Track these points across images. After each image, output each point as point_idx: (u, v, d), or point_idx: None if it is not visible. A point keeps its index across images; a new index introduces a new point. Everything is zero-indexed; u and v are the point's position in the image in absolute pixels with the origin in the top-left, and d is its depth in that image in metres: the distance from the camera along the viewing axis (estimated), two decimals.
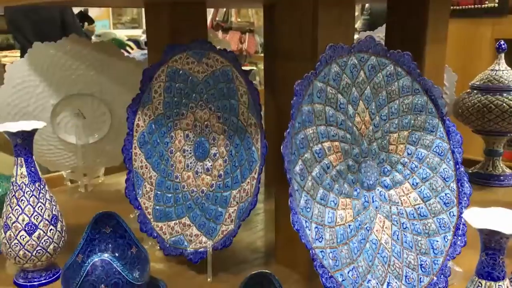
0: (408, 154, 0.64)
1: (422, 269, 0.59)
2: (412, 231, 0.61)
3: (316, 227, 0.51)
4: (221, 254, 0.71)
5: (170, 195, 0.77)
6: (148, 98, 0.80)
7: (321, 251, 0.50)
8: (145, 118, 0.81)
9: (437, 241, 0.62)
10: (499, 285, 0.45)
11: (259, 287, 0.49)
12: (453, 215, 0.64)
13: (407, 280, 0.58)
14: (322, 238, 0.51)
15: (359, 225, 0.57)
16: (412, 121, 0.64)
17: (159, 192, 0.78)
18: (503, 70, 1.06)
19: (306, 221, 0.50)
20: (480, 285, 0.46)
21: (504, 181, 1.11)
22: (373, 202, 0.60)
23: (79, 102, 1.05)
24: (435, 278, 0.60)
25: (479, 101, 1.06)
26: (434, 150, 0.65)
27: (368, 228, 0.58)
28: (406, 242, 0.60)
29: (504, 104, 1.02)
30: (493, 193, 1.08)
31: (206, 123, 0.74)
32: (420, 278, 0.59)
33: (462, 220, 0.64)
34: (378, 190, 0.61)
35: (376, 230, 0.59)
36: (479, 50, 2.07)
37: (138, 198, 0.79)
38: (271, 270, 0.51)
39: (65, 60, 1.01)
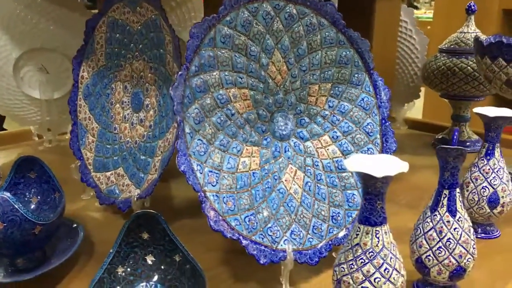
0: (329, 106, 0.63)
1: (334, 220, 0.59)
2: (327, 183, 0.61)
3: (210, 171, 0.51)
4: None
5: (109, 146, 0.78)
6: (91, 50, 0.80)
7: (213, 195, 0.51)
8: (89, 70, 0.81)
9: (355, 195, 0.62)
10: (376, 230, 0.45)
11: (144, 229, 0.49)
12: None
13: (314, 230, 0.58)
14: (217, 182, 0.52)
15: (266, 173, 0.57)
16: (336, 74, 0.63)
17: (99, 143, 0.79)
18: (471, 33, 1.03)
19: (198, 165, 0.50)
20: (359, 229, 0.46)
21: (470, 147, 1.09)
22: (285, 152, 0.60)
23: (42, 57, 1.06)
24: (346, 230, 0.60)
25: (444, 64, 1.03)
26: (359, 104, 0.64)
27: (276, 177, 0.58)
28: (319, 194, 0.60)
29: (468, 67, 0.99)
30: None
31: (141, 74, 0.74)
32: (330, 229, 0.59)
33: None
34: (292, 141, 0.61)
35: (286, 180, 0.58)
36: (486, 21, 2.01)
37: (81, 149, 0.81)
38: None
39: (26, 13, 1.02)
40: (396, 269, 0.45)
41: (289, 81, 0.60)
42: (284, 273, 0.54)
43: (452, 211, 0.51)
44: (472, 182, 0.66)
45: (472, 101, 1.06)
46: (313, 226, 0.58)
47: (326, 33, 0.62)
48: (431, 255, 0.51)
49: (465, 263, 0.51)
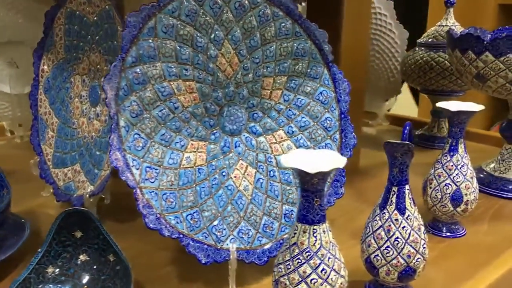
0: (285, 100, 0.61)
1: (286, 219, 0.57)
2: (281, 180, 0.59)
3: (148, 167, 0.49)
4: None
5: (67, 141, 0.76)
6: (51, 42, 0.78)
7: (150, 192, 0.48)
8: (49, 63, 0.79)
9: None
10: (313, 229, 0.43)
11: (77, 227, 0.47)
12: None
13: (264, 228, 0.56)
14: (156, 179, 0.49)
15: (213, 169, 0.55)
16: (292, 66, 0.61)
17: (59, 139, 0.77)
18: (450, 26, 1.00)
19: (134, 160, 0.48)
20: (296, 228, 0.43)
21: None
22: (235, 147, 0.58)
23: (11, 50, 1.04)
24: None
25: (421, 58, 1.01)
26: (317, 98, 0.62)
27: (224, 174, 0.56)
28: (271, 191, 0.58)
29: (445, 61, 0.97)
30: (432, 155, 1.04)
31: (97, 66, 0.72)
32: (282, 227, 0.57)
33: (342, 172, 0.62)
34: (244, 135, 0.59)
35: (235, 176, 0.56)
36: (482, 16, 1.98)
37: (41, 145, 0.79)
38: None
39: None
40: (334, 270, 0.43)
41: (241, 74, 0.58)
42: (230, 273, 0.52)
43: (401, 209, 0.49)
44: (435, 179, 0.64)
45: (451, 96, 1.03)
46: (264, 225, 0.56)
47: (281, 24, 0.59)
48: (379, 255, 0.49)
49: (414, 263, 0.49)
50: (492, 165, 0.82)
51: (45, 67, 0.79)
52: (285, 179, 0.59)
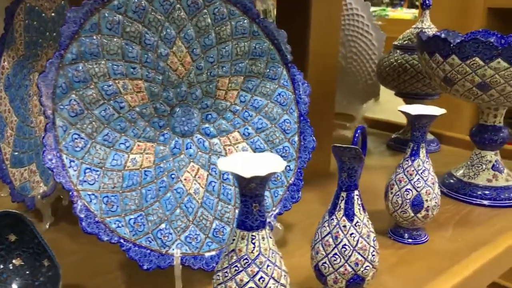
0: (241, 101, 0.59)
1: None
2: (234, 183, 0.57)
3: (88, 168, 0.47)
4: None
5: (25, 140, 0.74)
6: (11, 39, 0.76)
7: (89, 194, 0.46)
8: (9, 60, 0.77)
9: (265, 197, 0.58)
10: (252, 236, 0.41)
11: (10, 230, 0.45)
12: (290, 170, 0.60)
13: (215, 233, 0.54)
14: (96, 181, 0.47)
15: (161, 172, 0.53)
16: (249, 66, 0.59)
17: (17, 138, 0.75)
18: (425, 28, 0.99)
19: (71, 161, 0.46)
20: (235, 234, 0.42)
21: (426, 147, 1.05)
22: (187, 149, 0.56)
23: None
24: None
25: (396, 61, 0.99)
26: (275, 99, 0.60)
27: (173, 176, 0.54)
28: (224, 194, 0.56)
29: (419, 64, 0.96)
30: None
31: None
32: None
33: (300, 175, 0.60)
34: (196, 137, 0.57)
35: (185, 179, 0.54)
36: (471, 19, 1.97)
37: (0, 144, 0.76)
38: None
39: None
40: (273, 278, 0.41)
41: (194, 73, 0.56)
42: (176, 279, 0.50)
43: (349, 215, 0.47)
44: (396, 184, 0.63)
45: (426, 100, 1.02)
46: (215, 229, 0.54)
47: (238, 23, 0.57)
48: (327, 262, 0.47)
49: (362, 271, 0.47)
50: (461, 171, 0.81)
51: (5, 63, 0.77)
52: None
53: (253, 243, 0.41)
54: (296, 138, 0.61)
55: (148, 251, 0.49)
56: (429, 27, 0.99)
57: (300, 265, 0.55)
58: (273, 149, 0.60)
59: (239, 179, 0.39)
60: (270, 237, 0.42)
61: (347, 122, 1.27)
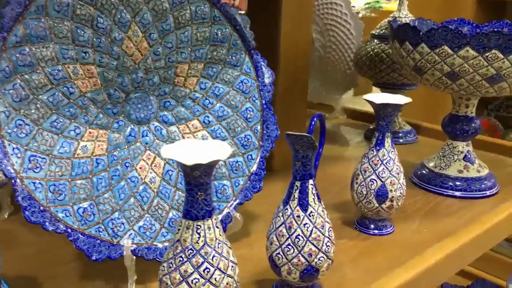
0: (201, 88, 0.58)
1: None
2: None
3: (33, 156, 0.45)
4: None
5: None
6: None
7: (34, 182, 0.45)
8: None
9: (225, 186, 0.57)
10: (197, 225, 0.40)
11: None
12: (251, 159, 0.59)
13: (171, 223, 0.53)
14: (42, 168, 0.46)
15: (115, 160, 0.52)
16: (210, 53, 0.57)
17: None
18: (402, 17, 0.97)
19: (15, 148, 0.44)
20: (180, 224, 0.40)
21: (403, 137, 1.04)
22: (143, 137, 0.54)
23: None
24: None
25: (372, 50, 0.98)
26: (237, 86, 0.59)
27: (128, 164, 0.52)
28: (182, 183, 0.55)
29: None
30: None
31: None
32: None
33: (262, 164, 0.59)
34: (153, 124, 0.55)
35: (140, 167, 0.53)
36: (460, 11, 1.96)
37: None
38: None
39: None
40: (219, 269, 0.40)
41: (151, 59, 0.54)
42: (128, 271, 0.49)
43: (303, 205, 0.46)
44: (361, 174, 0.62)
45: (403, 90, 1.01)
46: (171, 219, 0.53)
47: (197, 8, 0.56)
48: (281, 253, 0.46)
49: (316, 262, 0.46)
50: (433, 162, 0.80)
51: None
52: None
53: (198, 233, 0.40)
54: (258, 127, 0.59)
55: (98, 241, 0.48)
56: (406, 16, 0.98)
57: (260, 256, 0.54)
58: (234, 138, 0.58)
59: (182, 167, 0.38)
60: (217, 227, 0.41)
61: (327, 112, 1.25)
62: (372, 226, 0.64)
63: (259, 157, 0.59)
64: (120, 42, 0.52)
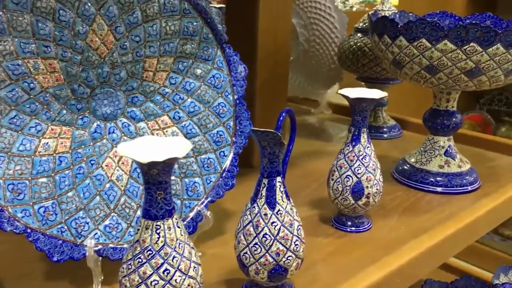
0: (171, 83, 0.56)
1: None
2: None
3: None
4: None
5: None
6: None
7: None
8: None
9: (196, 184, 0.56)
10: (156, 225, 0.38)
11: None
12: (224, 155, 0.57)
13: (138, 222, 0.51)
14: (0, 167, 0.44)
15: (79, 157, 0.50)
16: (180, 46, 0.56)
17: None
18: (386, 11, 0.96)
19: None
20: (140, 224, 0.39)
21: (387, 133, 1.03)
22: (109, 134, 0.53)
23: None
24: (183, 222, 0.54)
25: (355, 44, 0.97)
26: (209, 81, 0.57)
27: (93, 162, 0.51)
28: None
29: None
30: None
31: None
32: None
33: (235, 161, 0.57)
34: (121, 121, 0.54)
35: (107, 165, 0.52)
36: (450, 4, 1.95)
37: None
38: None
39: None
40: (180, 270, 0.39)
41: (118, 53, 0.53)
42: (93, 272, 0.48)
43: (271, 203, 0.45)
44: (337, 170, 0.60)
45: (387, 84, 1.00)
46: (139, 218, 0.51)
47: (166, 0, 0.54)
48: (248, 252, 0.45)
49: (284, 261, 0.45)
50: (414, 157, 0.79)
51: None
52: None
53: (158, 233, 0.38)
54: (231, 123, 0.58)
55: (60, 241, 0.46)
56: (390, 9, 0.96)
57: (234, 254, 0.53)
58: (206, 134, 0.57)
59: (139, 165, 0.37)
60: (178, 227, 0.40)
61: (313, 107, 1.24)
62: (349, 223, 0.63)
63: (232, 154, 0.57)
64: (84, 35, 0.50)
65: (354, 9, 3.01)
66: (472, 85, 0.67)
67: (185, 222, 0.54)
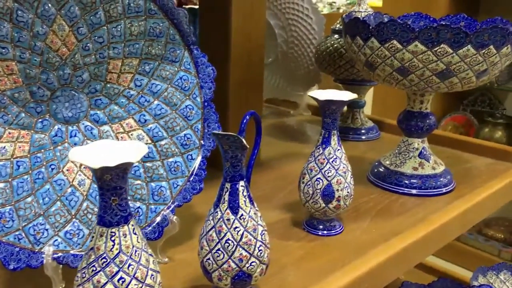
0: (137, 85, 0.55)
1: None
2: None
3: None
4: None
5: None
6: None
7: None
8: None
9: (163, 188, 0.54)
10: (111, 232, 0.37)
11: None
12: (192, 159, 0.56)
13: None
14: None
15: (38, 162, 0.49)
16: (146, 48, 0.55)
17: None
18: (362, 12, 0.96)
19: None
20: (94, 231, 0.38)
21: (365, 134, 1.03)
22: (71, 137, 0.51)
23: None
24: (147, 228, 0.52)
25: (332, 45, 0.96)
26: (176, 83, 0.56)
27: (54, 167, 0.49)
28: None
29: None
30: (345, 147, 1.00)
31: None
32: None
33: (203, 165, 0.56)
34: (83, 124, 0.52)
35: (68, 170, 0.50)
36: (435, 5, 1.95)
37: None
38: None
39: None
40: (136, 278, 0.38)
41: (80, 55, 0.51)
42: (52, 280, 0.46)
43: (234, 208, 0.44)
44: (308, 173, 0.60)
45: (365, 86, 1.00)
46: None
47: (131, 0, 0.53)
48: (211, 258, 0.44)
49: (247, 267, 0.44)
50: (389, 159, 0.79)
51: None
52: (132, 173, 0.53)
53: (113, 241, 0.37)
54: (199, 125, 0.57)
55: (17, 249, 0.45)
56: (366, 11, 0.96)
57: None
58: (173, 137, 0.56)
59: (91, 170, 0.35)
60: (135, 233, 0.39)
61: (292, 109, 1.24)
62: (321, 226, 0.62)
63: (200, 157, 0.56)
64: (43, 36, 0.49)
65: (340, 10, 3.02)
66: (444, 87, 0.67)
67: (151, 228, 0.53)
